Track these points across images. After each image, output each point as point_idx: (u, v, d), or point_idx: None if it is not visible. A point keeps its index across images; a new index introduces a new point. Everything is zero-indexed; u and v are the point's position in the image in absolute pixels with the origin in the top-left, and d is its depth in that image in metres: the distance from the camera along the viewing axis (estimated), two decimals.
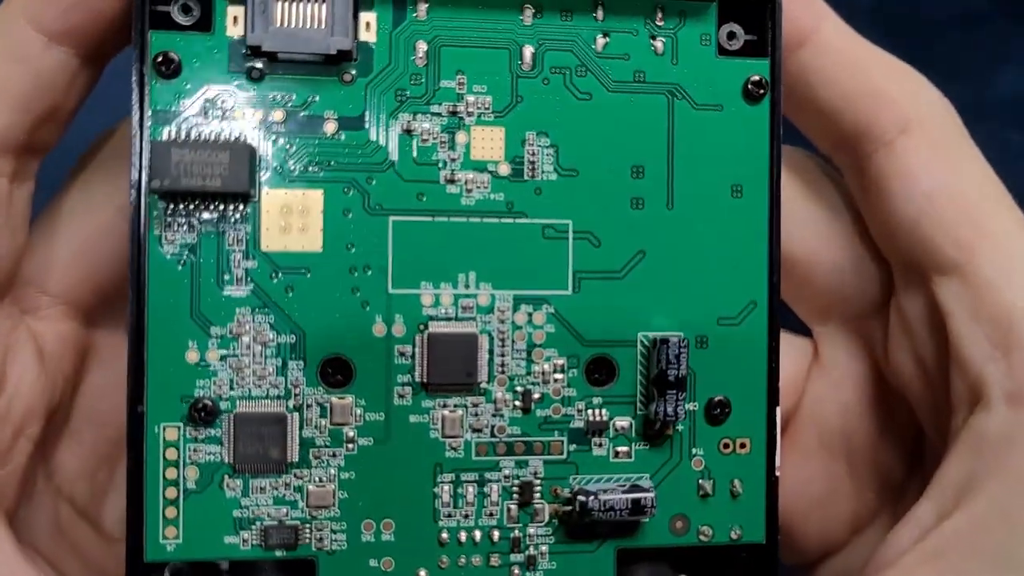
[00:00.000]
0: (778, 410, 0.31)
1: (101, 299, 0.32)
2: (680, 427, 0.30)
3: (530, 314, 0.30)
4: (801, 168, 0.35)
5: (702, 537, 0.31)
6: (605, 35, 0.30)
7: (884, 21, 0.32)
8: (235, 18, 0.29)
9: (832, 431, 0.35)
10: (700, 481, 0.30)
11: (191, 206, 0.28)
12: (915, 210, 0.31)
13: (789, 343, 0.36)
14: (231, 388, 0.29)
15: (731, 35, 0.31)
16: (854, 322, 0.35)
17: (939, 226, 0.31)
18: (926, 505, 0.30)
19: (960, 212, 0.31)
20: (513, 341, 0.30)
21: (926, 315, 0.32)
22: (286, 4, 0.28)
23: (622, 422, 0.30)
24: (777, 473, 0.31)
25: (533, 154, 0.30)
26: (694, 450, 0.30)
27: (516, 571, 0.30)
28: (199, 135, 0.28)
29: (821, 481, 0.35)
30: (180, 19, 0.28)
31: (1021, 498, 0.29)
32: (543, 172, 0.30)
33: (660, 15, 0.30)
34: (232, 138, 0.28)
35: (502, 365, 0.30)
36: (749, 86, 0.31)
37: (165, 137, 0.28)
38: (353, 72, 0.29)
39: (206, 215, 0.28)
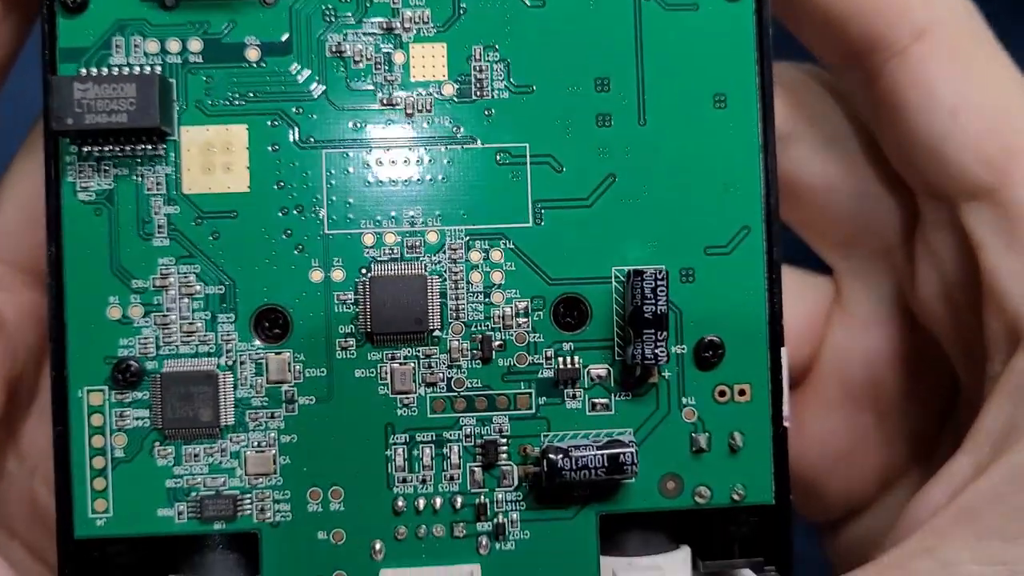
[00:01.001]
0: (783, 351, 0.27)
1: None
2: (667, 373, 0.27)
3: (486, 251, 0.26)
4: (807, 84, 0.31)
5: (699, 499, 0.27)
6: None
7: None
8: None
9: (857, 379, 0.31)
10: (693, 435, 0.27)
11: (104, 148, 0.26)
12: (937, 128, 0.27)
13: (806, 283, 0.32)
14: (157, 347, 0.26)
15: None
16: (879, 256, 0.31)
17: (965, 145, 0.27)
18: (962, 459, 0.27)
19: (988, 128, 0.27)
20: (468, 282, 0.26)
21: (955, 247, 0.28)
22: None
23: (598, 370, 0.26)
24: (785, 423, 0.27)
25: (481, 71, 0.27)
26: (684, 399, 0.27)
27: (484, 541, 0.26)
28: (108, 70, 0.26)
29: (845, 434, 0.31)
30: None
31: None
32: (494, 91, 0.27)
33: None
34: (140, 70, 0.26)
35: (456, 310, 0.26)
36: None
37: (81, 74, 0.26)
38: None
39: (121, 157, 0.26)
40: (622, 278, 0.26)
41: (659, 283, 0.25)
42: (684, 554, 0.27)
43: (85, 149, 0.26)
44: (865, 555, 0.26)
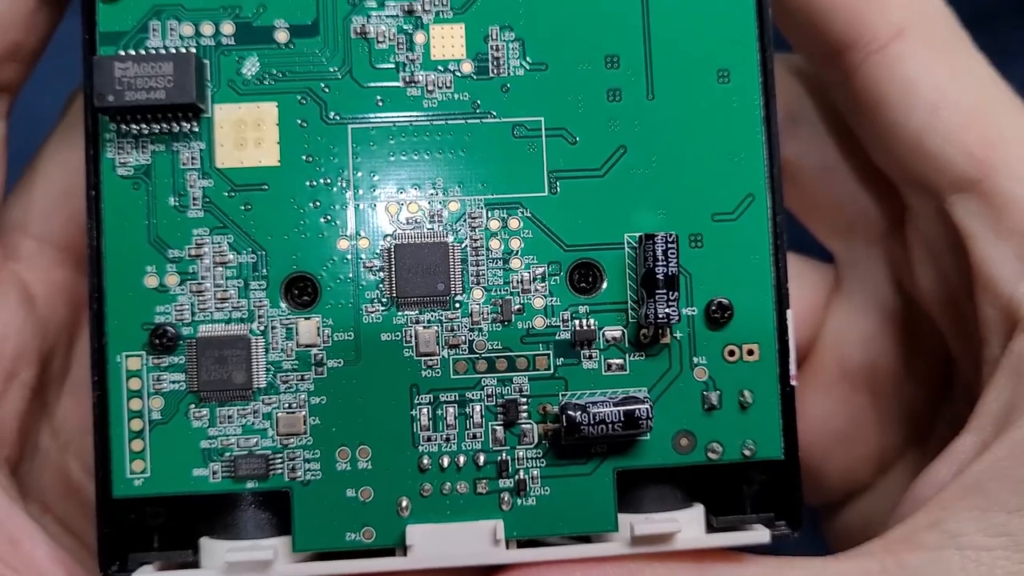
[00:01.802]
0: (789, 313, 0.28)
1: None
2: (679, 334, 0.28)
3: (504, 220, 0.28)
4: (807, 73, 0.33)
5: (711, 455, 0.28)
6: None
7: None
8: None
9: (855, 362, 0.33)
10: (705, 393, 0.28)
11: (142, 126, 0.27)
12: (918, 123, 0.28)
13: (808, 268, 0.34)
14: (192, 313, 0.27)
15: None
16: (877, 243, 0.33)
17: (947, 139, 0.28)
18: (966, 438, 0.28)
19: (968, 121, 0.28)
20: (488, 249, 0.28)
21: (945, 236, 0.29)
22: None
23: (613, 332, 0.28)
24: (793, 382, 0.28)
25: (497, 50, 0.28)
26: (695, 359, 0.28)
27: (506, 498, 0.27)
28: (146, 52, 0.27)
29: (843, 415, 0.33)
30: None
31: None
32: (509, 68, 0.28)
33: None
34: (177, 49, 0.27)
35: (477, 275, 0.28)
36: None
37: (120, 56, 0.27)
38: None
39: (158, 134, 0.27)
40: (634, 244, 0.28)
41: (670, 246, 0.27)
42: (698, 511, 0.28)
43: (124, 126, 0.27)
44: (864, 536, 0.27)
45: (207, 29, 0.28)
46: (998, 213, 0.28)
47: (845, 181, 0.33)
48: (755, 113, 0.28)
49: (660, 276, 0.27)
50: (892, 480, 0.33)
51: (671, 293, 0.27)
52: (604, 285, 0.28)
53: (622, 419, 0.27)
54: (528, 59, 0.28)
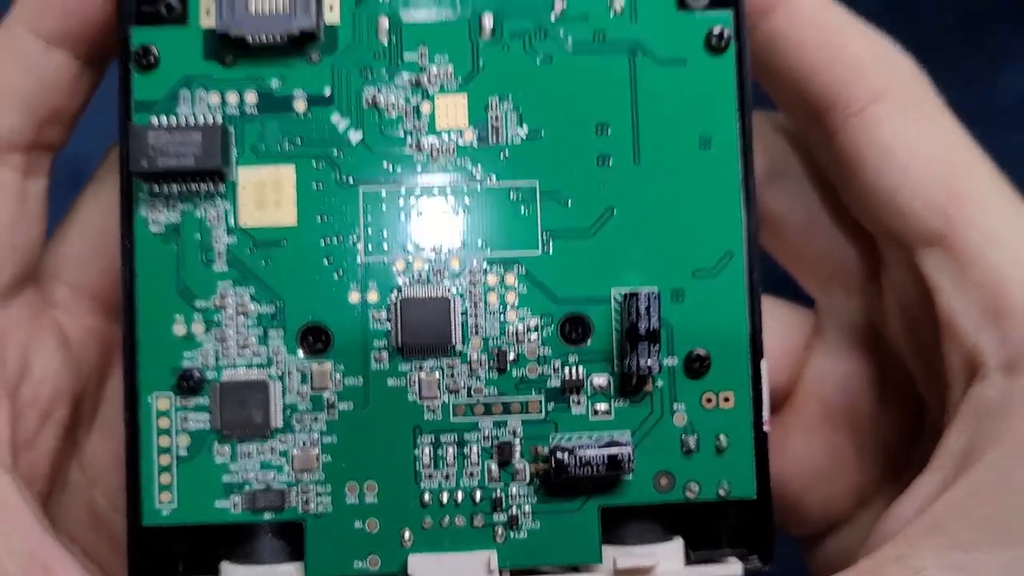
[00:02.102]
0: (763, 362, 0.30)
1: None
2: (660, 382, 0.30)
3: (502, 275, 0.30)
4: (790, 130, 0.35)
5: (688, 494, 0.30)
6: None
7: (887, 23, 0.32)
8: (208, 10, 0.30)
9: (835, 403, 0.35)
10: (683, 436, 0.30)
11: (173, 187, 0.30)
12: (891, 181, 0.30)
13: (790, 314, 0.36)
14: (216, 359, 0.30)
15: None
16: (854, 291, 0.35)
17: (916, 196, 0.30)
18: (928, 476, 0.30)
19: (936, 180, 0.30)
20: (486, 303, 0.30)
21: (914, 287, 0.31)
22: None
23: (599, 379, 0.30)
24: (766, 428, 0.30)
25: (497, 119, 0.31)
26: (675, 405, 0.30)
27: (499, 531, 0.30)
28: (176, 119, 0.30)
29: (824, 454, 0.35)
30: (164, 14, 0.30)
31: (1021, 466, 0.28)
32: (508, 136, 0.31)
33: None
34: (205, 121, 0.30)
35: (476, 327, 0.30)
36: (712, 39, 0.31)
37: (153, 123, 0.30)
38: (319, 52, 0.30)
39: (187, 194, 0.30)
40: (620, 299, 0.30)
41: (652, 303, 0.29)
42: (677, 544, 0.30)
43: (156, 187, 0.30)
44: (844, 567, 0.29)
45: (232, 98, 0.30)
46: (962, 266, 0.30)
47: (826, 234, 0.35)
48: (734, 177, 0.31)
49: (643, 331, 0.29)
50: (870, 513, 0.35)
51: (653, 346, 0.29)
52: (592, 337, 0.30)
53: (606, 461, 0.29)
54: (525, 127, 0.30)
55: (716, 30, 0.31)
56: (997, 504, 0.27)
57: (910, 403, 0.35)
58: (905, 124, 0.31)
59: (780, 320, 0.36)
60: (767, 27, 0.31)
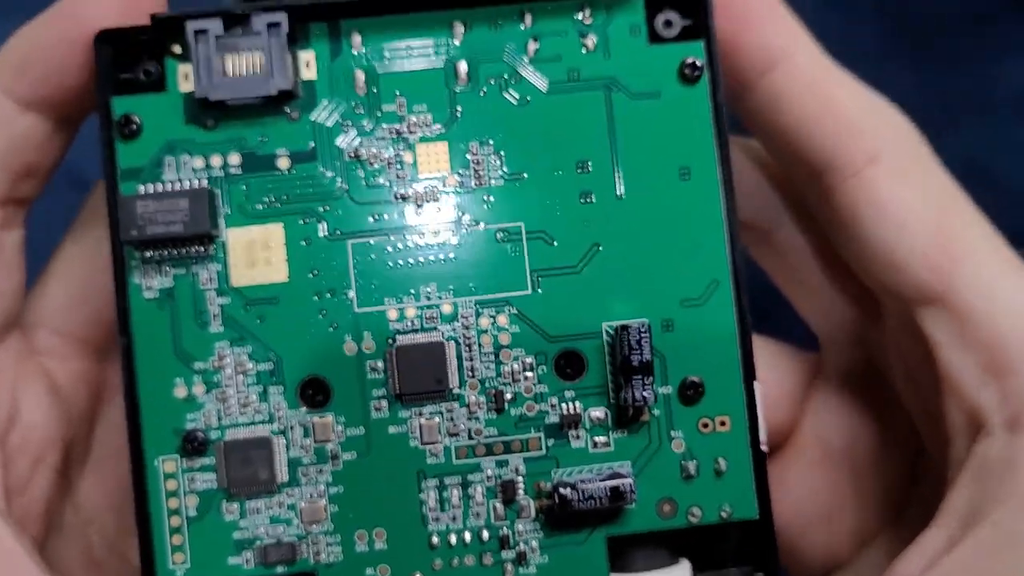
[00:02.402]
0: (756, 385, 0.31)
1: (111, 336, 0.34)
2: (656, 411, 0.31)
3: (493, 317, 0.31)
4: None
5: (691, 518, 0.31)
6: (535, 39, 0.31)
7: (889, 15, 0.32)
8: (186, 75, 0.31)
9: (836, 444, 0.35)
10: (683, 463, 0.31)
11: (164, 252, 0.30)
12: (888, 241, 0.31)
13: (792, 356, 0.36)
14: (218, 418, 0.30)
15: (667, 23, 0.32)
16: (860, 334, 0.35)
17: (913, 255, 0.30)
18: (935, 533, 0.30)
19: (934, 238, 0.30)
20: (480, 345, 0.31)
21: (914, 342, 0.32)
22: (229, 56, 0.30)
23: (597, 412, 0.31)
24: (763, 448, 0.31)
25: (478, 163, 0.31)
26: (673, 433, 0.31)
27: (509, 567, 0.30)
28: (163, 186, 0.30)
29: (825, 494, 0.35)
30: (143, 79, 0.31)
31: None
32: (490, 179, 0.31)
33: (587, 12, 0.31)
34: (191, 185, 0.30)
35: (471, 369, 0.31)
36: (684, 70, 0.31)
37: (140, 190, 0.30)
38: (298, 109, 0.31)
39: (178, 258, 0.30)
40: (611, 332, 0.31)
41: (643, 335, 0.30)
42: (684, 567, 0.31)
43: (147, 254, 0.30)
44: None
45: (216, 161, 0.31)
46: (962, 323, 0.30)
47: (825, 281, 0.35)
48: (716, 206, 0.31)
49: (635, 363, 0.30)
50: (870, 556, 0.35)
51: (646, 378, 0.30)
52: (587, 371, 0.31)
53: (609, 493, 0.30)
54: (506, 170, 0.31)
55: (688, 60, 0.31)
56: (1004, 562, 0.28)
57: (911, 446, 0.35)
58: (900, 185, 0.31)
59: (781, 362, 0.36)
60: (765, 85, 0.31)
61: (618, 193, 0.31)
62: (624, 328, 0.30)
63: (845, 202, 0.31)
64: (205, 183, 0.31)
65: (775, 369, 0.36)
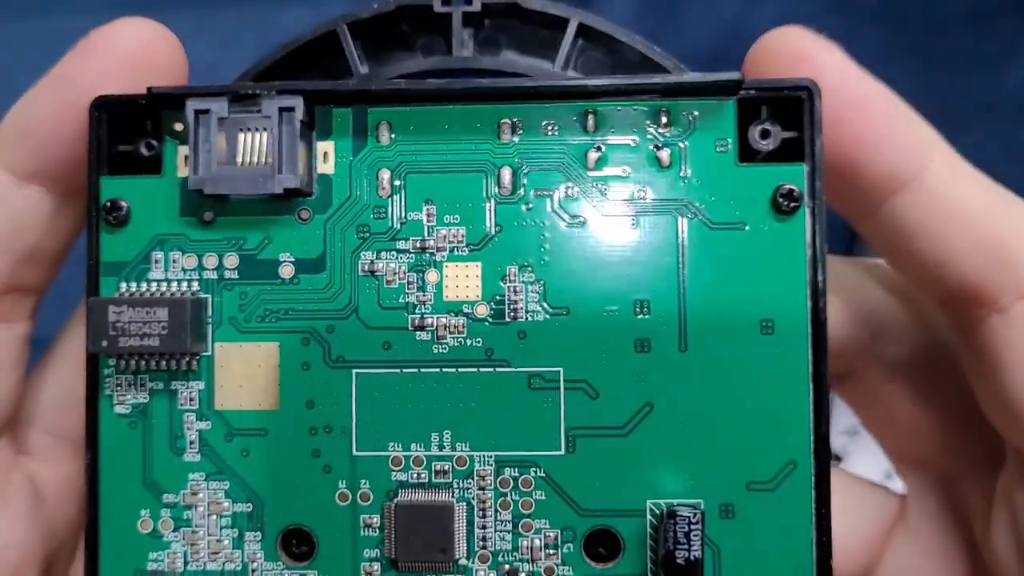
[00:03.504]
0: None
1: None
2: None
3: (515, 479, 0.26)
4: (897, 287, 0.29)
5: None
6: (598, 148, 0.26)
7: (893, 18, 0.28)
8: (186, 157, 0.26)
9: None
10: None
11: (141, 363, 0.26)
12: None
13: (869, 494, 0.30)
14: (185, 561, 0.26)
15: (764, 133, 0.26)
16: (953, 481, 0.29)
17: None
18: None
19: None
20: (496, 510, 0.26)
21: None
22: (233, 139, 0.25)
23: None
24: None
25: (515, 292, 0.26)
26: None
27: None
28: (147, 286, 0.26)
29: None
30: (144, 153, 0.27)
31: None
32: (528, 312, 0.26)
33: (664, 120, 0.26)
34: (173, 293, 0.26)
35: (483, 539, 0.26)
36: (779, 198, 0.25)
37: (120, 289, 0.26)
38: (310, 209, 0.26)
39: (156, 372, 0.26)
40: (657, 511, 0.25)
41: (693, 527, 0.24)
42: None
43: (122, 363, 0.26)
44: None
45: (210, 261, 0.26)
46: None
47: (931, 411, 0.29)
48: (802, 369, 0.25)
49: (681, 561, 0.24)
50: None
51: None
52: (622, 557, 0.25)
53: None
54: (548, 303, 0.26)
55: (785, 188, 0.25)
56: None
57: None
58: None
59: (857, 500, 0.30)
60: (893, 208, 0.26)
61: (682, 345, 0.25)
62: (671, 515, 0.24)
63: (988, 339, 0.26)
64: (196, 287, 0.26)
65: (854, 510, 0.30)
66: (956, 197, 0.26)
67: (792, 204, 0.25)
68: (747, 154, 0.26)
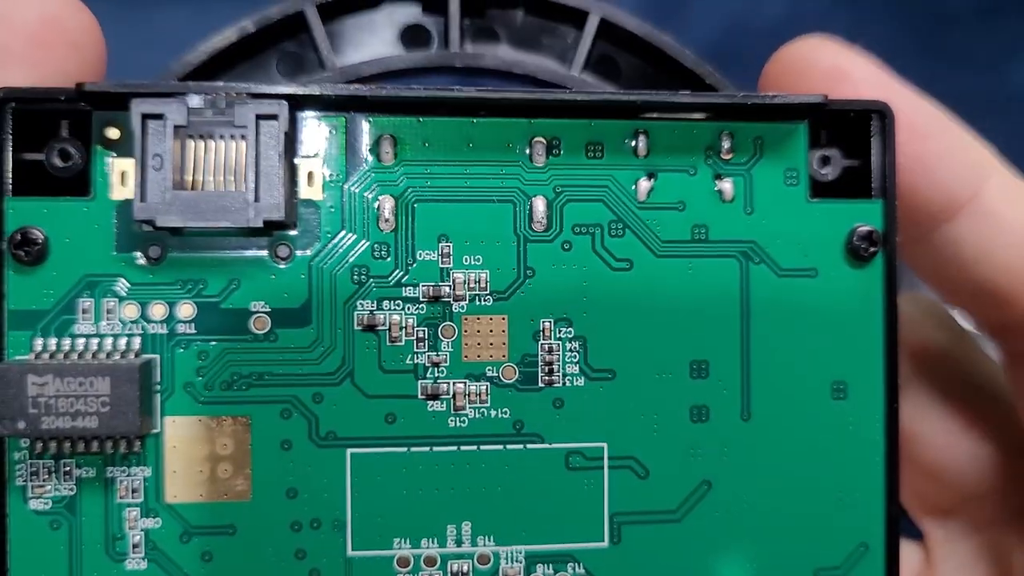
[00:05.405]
0: None
1: None
2: None
3: None
4: (931, 321, 0.27)
5: None
6: (650, 176, 0.21)
7: (900, 12, 0.27)
8: (123, 174, 0.20)
9: None
10: None
11: (66, 445, 0.20)
12: None
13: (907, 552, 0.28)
14: None
15: (824, 160, 0.22)
16: (980, 529, 0.27)
17: None
18: None
19: None
20: None
21: None
22: (192, 151, 0.20)
23: None
24: None
25: (550, 351, 0.21)
26: None
27: None
28: (70, 345, 0.20)
29: None
30: (57, 165, 0.20)
31: None
32: (565, 376, 0.21)
33: (727, 145, 0.21)
34: (116, 354, 0.20)
35: None
36: (855, 240, 0.22)
37: (31, 354, 0.20)
38: (290, 245, 0.21)
39: (87, 454, 0.20)
40: None
41: None
42: None
43: (39, 445, 0.20)
44: None
45: (157, 311, 0.20)
46: None
47: (958, 456, 0.27)
48: (876, 439, 0.22)
49: None
50: None
51: None
52: None
53: None
54: (590, 364, 0.21)
55: (862, 230, 0.22)
56: None
57: None
58: None
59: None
60: (946, 233, 0.23)
61: (744, 412, 0.21)
62: None
63: None
64: (138, 345, 0.20)
65: None
66: (1014, 218, 0.23)
67: (872, 249, 0.22)
68: (819, 190, 0.22)
